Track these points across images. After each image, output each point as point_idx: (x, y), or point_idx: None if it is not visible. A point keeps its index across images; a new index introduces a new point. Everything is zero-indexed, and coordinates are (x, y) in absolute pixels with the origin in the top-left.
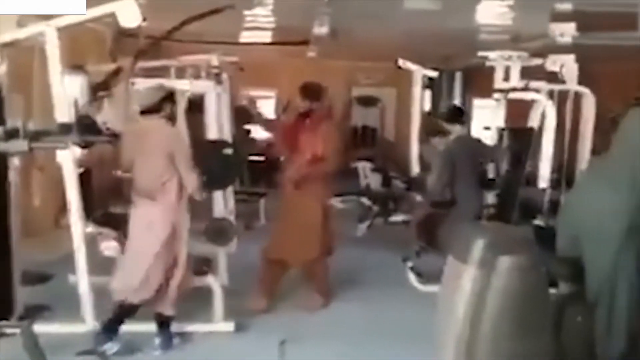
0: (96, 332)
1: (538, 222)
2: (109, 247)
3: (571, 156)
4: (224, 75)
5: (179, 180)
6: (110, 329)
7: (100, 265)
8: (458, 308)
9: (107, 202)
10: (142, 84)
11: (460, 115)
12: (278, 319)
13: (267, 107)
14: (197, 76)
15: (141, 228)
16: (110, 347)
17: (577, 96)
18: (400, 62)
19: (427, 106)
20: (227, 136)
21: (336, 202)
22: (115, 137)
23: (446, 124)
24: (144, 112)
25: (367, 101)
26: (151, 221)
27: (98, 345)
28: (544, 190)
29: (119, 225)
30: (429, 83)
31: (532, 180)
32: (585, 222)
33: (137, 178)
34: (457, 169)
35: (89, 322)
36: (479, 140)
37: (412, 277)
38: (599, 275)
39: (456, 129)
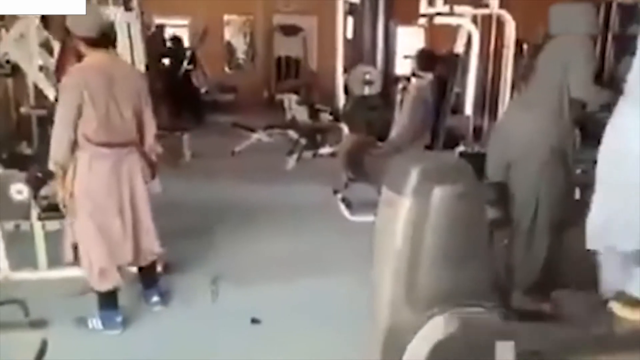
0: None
1: (462, 148)
2: (20, 190)
3: (494, 83)
4: (134, 1)
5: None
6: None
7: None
8: (395, 239)
9: (13, 142)
10: None
11: (433, 61)
12: (210, 256)
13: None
14: (102, 1)
15: (112, 184)
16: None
17: (501, 22)
18: None
19: (349, 33)
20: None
21: (263, 136)
22: (15, 70)
23: (419, 71)
24: (93, 43)
25: (290, 30)
26: (127, 172)
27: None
28: (468, 117)
29: (26, 167)
30: (351, 9)
31: (456, 107)
32: (511, 148)
33: (101, 125)
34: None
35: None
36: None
37: (342, 208)
38: (522, 199)
39: (428, 77)
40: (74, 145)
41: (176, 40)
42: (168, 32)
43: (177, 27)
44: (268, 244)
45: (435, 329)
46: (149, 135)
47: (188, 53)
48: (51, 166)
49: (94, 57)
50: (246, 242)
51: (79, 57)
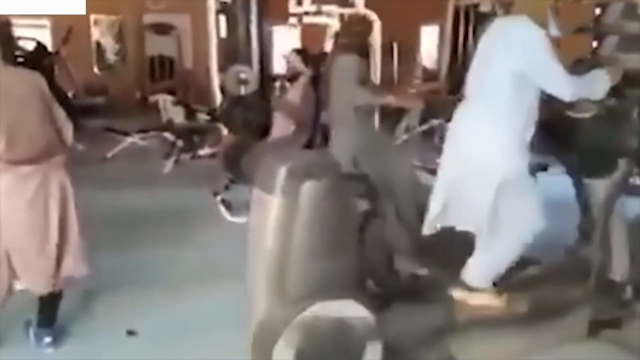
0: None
1: None
2: None
3: None
4: None
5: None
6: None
7: None
8: (266, 238)
9: None
10: None
11: (306, 60)
12: None
13: (43, 38)
14: None
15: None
16: None
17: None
18: None
19: (223, 32)
20: None
21: (137, 139)
22: None
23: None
24: None
25: (161, 29)
26: (58, 188)
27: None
28: None
29: None
30: (223, 7)
31: None
32: None
33: (10, 140)
34: None
35: None
36: None
37: (223, 210)
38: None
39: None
40: None
41: (39, 46)
42: (22, 33)
43: (35, 28)
44: (147, 253)
45: (304, 322)
46: (67, 133)
47: (52, 59)
48: None
49: None
50: (122, 253)
51: None
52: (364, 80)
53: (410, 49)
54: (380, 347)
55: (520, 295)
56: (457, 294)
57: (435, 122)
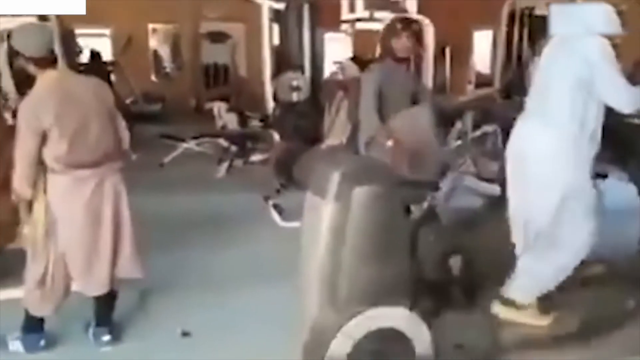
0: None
1: None
2: None
3: None
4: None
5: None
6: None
7: None
8: (319, 242)
9: None
10: None
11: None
12: None
13: (103, 47)
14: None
15: (93, 209)
16: None
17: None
18: None
19: (276, 40)
20: None
21: (192, 145)
22: None
23: None
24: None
25: (217, 37)
26: (112, 192)
27: None
28: None
29: None
30: (277, 16)
31: None
32: None
33: (72, 145)
34: None
35: None
36: None
37: (274, 215)
38: None
39: None
40: (42, 175)
41: (95, 55)
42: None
43: (95, 37)
44: (200, 255)
45: (357, 327)
46: (125, 140)
47: (109, 68)
48: (14, 199)
49: (46, 78)
50: (177, 255)
51: (31, 80)
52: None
53: (463, 54)
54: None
55: (569, 313)
56: (497, 309)
57: (488, 128)
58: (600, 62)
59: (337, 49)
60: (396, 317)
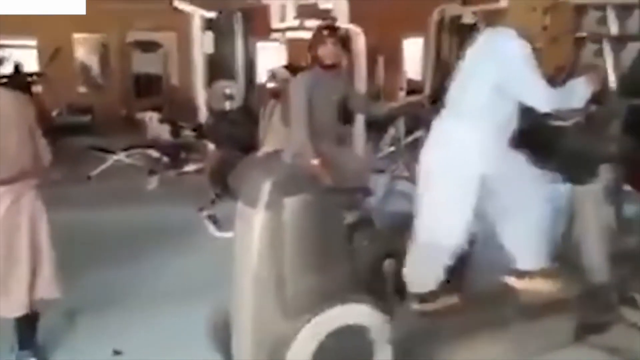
0: None
1: None
2: None
3: None
4: None
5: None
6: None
7: None
8: (252, 252)
9: None
10: None
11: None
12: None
13: (28, 59)
14: None
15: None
16: None
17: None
18: (176, 2)
19: (209, 48)
20: None
21: (122, 157)
22: None
23: None
24: None
25: (148, 47)
26: (29, 210)
27: None
28: None
29: None
30: (209, 24)
31: None
32: None
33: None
34: None
35: None
36: None
37: (209, 226)
38: None
39: None
40: None
41: (17, 68)
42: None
43: (22, 48)
44: (132, 271)
45: (315, 330)
46: (45, 157)
47: (34, 79)
48: None
49: None
50: (108, 272)
51: None
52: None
53: (395, 61)
54: (390, 349)
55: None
56: (511, 280)
57: (420, 133)
58: (518, 62)
59: (272, 58)
60: (356, 314)
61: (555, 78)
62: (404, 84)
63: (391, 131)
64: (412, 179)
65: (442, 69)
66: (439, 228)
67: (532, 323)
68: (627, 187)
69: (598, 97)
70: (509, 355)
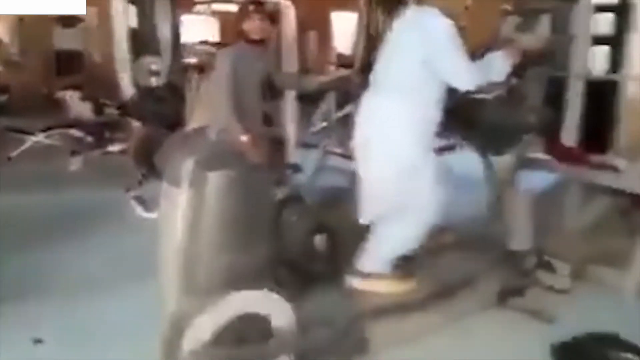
0: None
1: None
2: None
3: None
4: None
5: None
6: None
7: None
8: (175, 232)
9: None
10: None
11: None
12: None
13: None
14: None
15: None
16: None
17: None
18: None
19: (133, 23)
20: None
21: (41, 138)
22: None
23: None
24: None
25: (68, 21)
26: None
27: None
28: None
29: None
30: None
31: None
32: None
33: None
34: None
35: None
36: None
37: (136, 207)
38: None
39: None
40: None
41: None
42: None
43: None
44: (56, 256)
45: (217, 313)
46: None
47: None
48: None
49: None
50: (30, 258)
51: None
52: None
53: (326, 36)
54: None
55: (426, 278)
56: (355, 282)
57: (350, 108)
58: (443, 40)
59: (202, 32)
60: (257, 299)
61: (476, 52)
62: (334, 58)
63: (323, 106)
64: (344, 154)
65: (371, 44)
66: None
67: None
68: (546, 156)
69: (518, 70)
70: (433, 323)
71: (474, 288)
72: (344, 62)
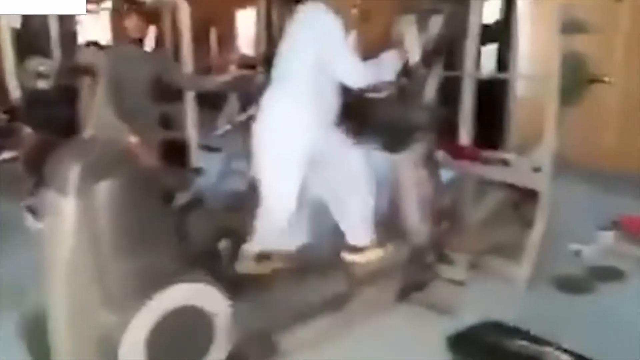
0: None
1: None
2: None
3: None
4: None
5: None
6: None
7: None
8: (65, 244)
9: None
10: None
11: None
12: None
13: None
14: None
15: None
16: None
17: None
18: None
19: (17, 23)
20: None
21: None
22: None
23: None
24: None
25: None
26: None
27: None
28: None
29: None
30: None
31: None
32: None
33: None
34: None
35: None
36: None
37: (28, 217)
38: None
39: None
40: None
41: None
42: None
43: None
44: None
45: (146, 318)
46: None
47: None
48: None
49: None
50: None
51: None
52: None
53: (228, 35)
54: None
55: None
56: (350, 257)
57: (253, 110)
58: (331, 37)
59: (94, 32)
60: (188, 294)
61: (369, 51)
62: (236, 58)
63: (226, 109)
64: (248, 157)
65: (273, 43)
66: (273, 198)
67: (359, 290)
68: (440, 153)
69: (407, 69)
70: (338, 323)
71: (376, 286)
72: (247, 62)
